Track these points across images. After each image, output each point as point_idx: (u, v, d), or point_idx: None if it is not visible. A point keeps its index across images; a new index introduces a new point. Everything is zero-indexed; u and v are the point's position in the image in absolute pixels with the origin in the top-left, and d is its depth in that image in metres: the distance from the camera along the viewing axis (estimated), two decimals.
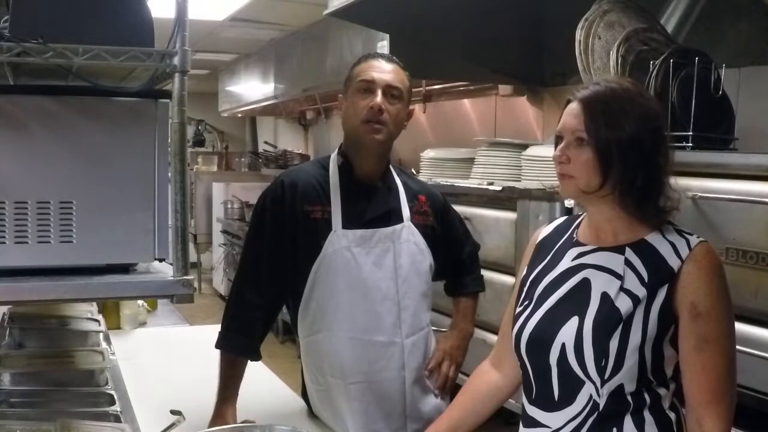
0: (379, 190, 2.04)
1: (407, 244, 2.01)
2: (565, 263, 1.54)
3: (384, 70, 1.97)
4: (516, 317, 1.58)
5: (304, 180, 2.01)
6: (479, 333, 2.25)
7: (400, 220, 2.03)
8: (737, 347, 1.46)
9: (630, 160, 1.41)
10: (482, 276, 2.28)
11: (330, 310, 1.97)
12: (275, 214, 1.99)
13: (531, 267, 1.62)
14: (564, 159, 1.46)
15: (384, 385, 1.99)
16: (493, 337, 2.21)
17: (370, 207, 2.01)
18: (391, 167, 2.09)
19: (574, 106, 1.46)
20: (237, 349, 2.00)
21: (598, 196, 1.46)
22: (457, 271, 2.23)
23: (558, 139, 1.49)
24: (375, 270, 1.97)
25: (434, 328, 2.16)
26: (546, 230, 1.68)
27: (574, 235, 1.58)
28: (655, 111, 1.46)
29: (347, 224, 1.97)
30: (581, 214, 1.59)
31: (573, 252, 1.54)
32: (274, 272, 1.99)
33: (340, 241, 1.95)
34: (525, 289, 1.60)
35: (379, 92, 1.93)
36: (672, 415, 1.47)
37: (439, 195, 2.19)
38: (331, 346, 1.98)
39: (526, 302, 1.57)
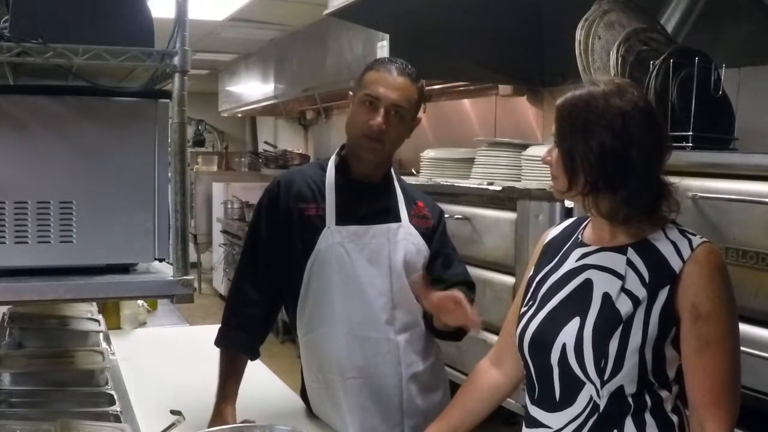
0: (377, 189, 2.05)
1: (404, 242, 2.01)
2: (569, 264, 1.55)
3: (392, 87, 1.93)
4: (520, 317, 1.58)
5: (299, 179, 2.03)
6: (479, 333, 2.24)
7: (397, 218, 2.03)
8: None
9: (592, 164, 1.42)
10: (473, 291, 2.10)
11: (326, 306, 1.98)
12: (270, 212, 2.02)
13: (538, 268, 1.62)
14: (548, 159, 1.51)
15: (380, 381, 2.00)
16: (493, 337, 2.21)
17: (365, 204, 2.02)
18: (392, 171, 2.09)
19: None
20: (235, 346, 2.01)
21: (570, 196, 1.50)
22: (444, 288, 2.10)
23: None
24: (369, 266, 1.97)
25: None
26: (554, 231, 1.68)
27: (580, 236, 1.58)
28: (626, 112, 1.41)
29: (341, 221, 1.97)
30: (588, 216, 1.59)
31: (577, 252, 1.55)
32: (271, 269, 2.01)
33: (333, 237, 1.96)
34: (531, 289, 1.60)
35: (382, 111, 1.92)
36: (674, 418, 1.46)
37: (438, 208, 2.18)
38: (329, 342, 1.99)
39: (531, 302, 1.57)
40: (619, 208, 1.44)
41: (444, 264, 2.10)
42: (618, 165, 1.41)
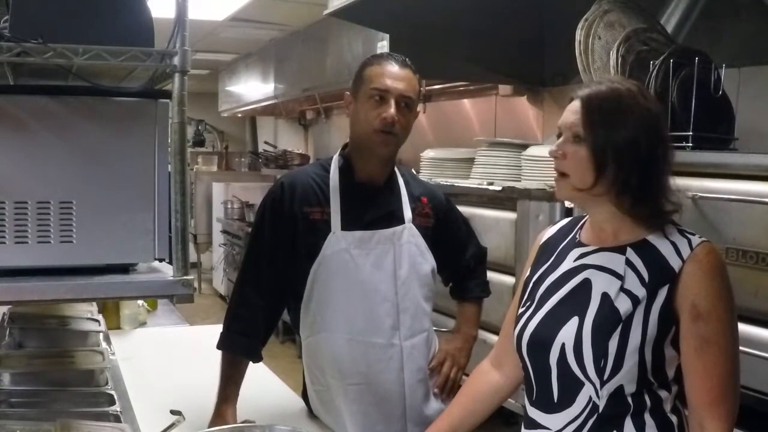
0: (381, 192, 2.04)
1: (408, 245, 2.01)
2: (567, 264, 1.54)
3: (398, 78, 1.94)
4: (518, 318, 1.58)
5: (303, 181, 2.01)
6: (480, 333, 2.26)
7: (401, 221, 2.02)
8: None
9: (625, 161, 1.41)
10: (488, 281, 2.28)
11: (329, 312, 1.97)
12: (274, 215, 2.00)
13: (534, 268, 1.62)
14: (560, 154, 1.47)
15: (383, 387, 1.99)
16: (493, 338, 2.21)
17: (370, 208, 2.00)
18: (396, 168, 2.09)
19: (575, 104, 1.47)
20: (238, 350, 2.00)
21: (591, 194, 1.46)
22: (460, 274, 2.22)
23: (558, 135, 1.50)
24: (374, 271, 1.97)
25: (435, 328, 2.16)
26: (550, 231, 1.67)
27: (577, 236, 1.58)
28: (654, 112, 1.45)
29: (346, 226, 1.96)
30: (585, 216, 1.59)
31: (575, 253, 1.54)
32: (274, 273, 2.00)
33: (339, 242, 1.95)
34: (528, 289, 1.60)
35: (393, 102, 1.92)
36: (674, 418, 1.46)
37: (441, 195, 2.18)
38: (330, 347, 1.98)
39: (528, 303, 1.57)
40: (640, 207, 1.44)
41: (459, 249, 2.19)
42: (648, 163, 1.41)
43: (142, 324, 3.20)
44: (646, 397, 1.44)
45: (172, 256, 1.48)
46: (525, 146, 3.26)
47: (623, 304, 1.42)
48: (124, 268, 1.50)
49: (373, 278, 1.96)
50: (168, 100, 1.46)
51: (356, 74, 2.01)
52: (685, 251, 1.42)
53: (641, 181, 1.42)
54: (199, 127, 10.04)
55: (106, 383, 2.20)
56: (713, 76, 2.19)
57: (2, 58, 1.34)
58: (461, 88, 4.73)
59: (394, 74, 1.94)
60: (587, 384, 1.44)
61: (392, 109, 1.91)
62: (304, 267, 1.97)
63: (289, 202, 1.98)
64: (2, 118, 1.40)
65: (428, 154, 3.79)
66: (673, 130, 2.08)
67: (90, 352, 2.42)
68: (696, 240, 1.44)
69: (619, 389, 1.42)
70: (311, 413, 2.13)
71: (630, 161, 1.41)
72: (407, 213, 2.04)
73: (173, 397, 2.10)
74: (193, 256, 8.24)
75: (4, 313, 2.70)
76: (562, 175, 1.48)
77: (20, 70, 1.55)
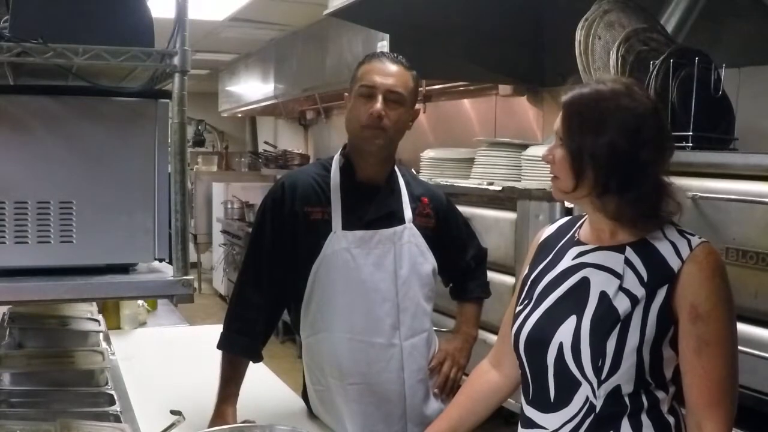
0: (381, 192, 2.04)
1: (408, 245, 2.01)
2: (566, 262, 1.54)
3: (387, 74, 1.95)
4: (516, 316, 1.57)
5: (304, 181, 2.01)
6: (480, 333, 2.26)
7: (401, 221, 2.02)
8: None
9: (602, 165, 1.40)
10: (488, 282, 2.28)
11: (329, 312, 1.97)
12: (275, 215, 2.00)
13: (532, 266, 1.62)
14: (549, 158, 1.49)
15: (383, 387, 1.99)
16: (493, 337, 2.21)
17: (371, 208, 2.00)
18: (396, 168, 2.09)
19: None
20: (238, 350, 2.00)
21: (574, 197, 1.48)
22: (461, 274, 2.23)
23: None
24: (374, 271, 1.97)
25: (435, 328, 2.16)
26: (549, 230, 1.67)
27: (576, 235, 1.58)
28: (638, 113, 1.42)
29: (347, 225, 1.96)
30: (584, 215, 1.59)
31: (574, 251, 1.54)
32: (275, 273, 2.00)
33: (340, 242, 1.95)
34: (526, 288, 1.59)
35: (380, 98, 1.92)
36: (671, 419, 1.46)
37: (442, 196, 2.18)
38: (330, 346, 1.98)
39: (526, 301, 1.56)
40: (625, 209, 1.44)
41: (459, 250, 2.19)
42: (628, 166, 1.40)
43: (142, 324, 3.20)
44: (644, 398, 1.44)
45: (172, 256, 1.48)
46: (525, 146, 3.26)
47: (622, 304, 1.41)
48: (124, 268, 1.50)
49: (373, 278, 1.96)
50: (168, 100, 1.46)
51: (352, 75, 2.03)
52: (685, 252, 1.42)
53: (622, 184, 1.41)
54: (199, 127, 10.04)
55: (106, 383, 2.20)
56: (713, 76, 2.19)
57: (2, 58, 1.34)
58: (461, 88, 4.74)
59: (383, 70, 1.95)
60: (584, 384, 1.44)
61: (378, 104, 1.91)
62: (305, 267, 1.97)
63: (290, 202, 1.98)
64: (2, 118, 1.40)
65: (428, 154, 3.79)
66: (673, 130, 2.07)
67: (90, 352, 2.42)
68: (695, 241, 1.43)
69: (617, 389, 1.42)
70: (311, 413, 2.13)
71: (607, 165, 1.40)
72: (408, 213, 2.04)
73: (173, 397, 2.10)
74: (193, 256, 8.25)
75: (4, 313, 2.70)
76: (554, 177, 1.50)
77: (20, 70, 1.55)
